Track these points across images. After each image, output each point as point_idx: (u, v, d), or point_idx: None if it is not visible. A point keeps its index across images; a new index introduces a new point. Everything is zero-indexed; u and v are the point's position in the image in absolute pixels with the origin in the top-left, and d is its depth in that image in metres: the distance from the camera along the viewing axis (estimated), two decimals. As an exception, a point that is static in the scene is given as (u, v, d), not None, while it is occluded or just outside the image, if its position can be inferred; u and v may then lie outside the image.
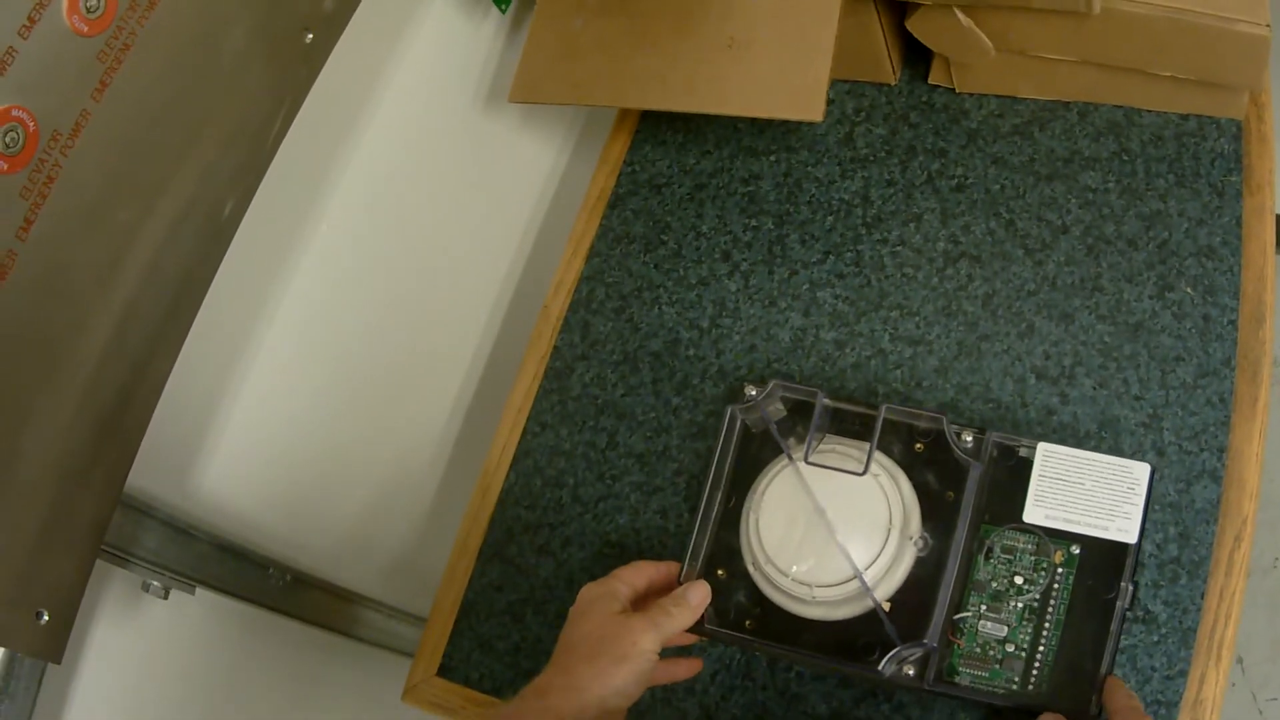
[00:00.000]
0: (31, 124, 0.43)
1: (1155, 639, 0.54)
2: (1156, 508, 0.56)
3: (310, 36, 0.54)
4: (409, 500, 0.78)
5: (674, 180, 0.73)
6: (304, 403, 0.66)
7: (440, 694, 0.63)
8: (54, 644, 0.50)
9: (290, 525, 0.67)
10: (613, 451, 0.66)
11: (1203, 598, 0.54)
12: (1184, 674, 0.53)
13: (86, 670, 0.55)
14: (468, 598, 0.65)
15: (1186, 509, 0.56)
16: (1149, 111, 0.65)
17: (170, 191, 0.50)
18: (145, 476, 0.55)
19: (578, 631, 0.49)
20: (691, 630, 0.52)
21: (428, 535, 0.78)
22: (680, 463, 0.64)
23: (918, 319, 0.64)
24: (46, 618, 0.49)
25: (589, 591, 0.51)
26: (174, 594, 0.57)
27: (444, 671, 0.64)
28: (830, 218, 0.68)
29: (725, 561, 0.55)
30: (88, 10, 0.44)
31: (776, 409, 0.57)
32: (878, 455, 0.54)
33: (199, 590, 0.59)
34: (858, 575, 0.51)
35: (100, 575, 0.54)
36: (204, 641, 0.64)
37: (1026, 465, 0.53)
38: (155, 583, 0.56)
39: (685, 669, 0.56)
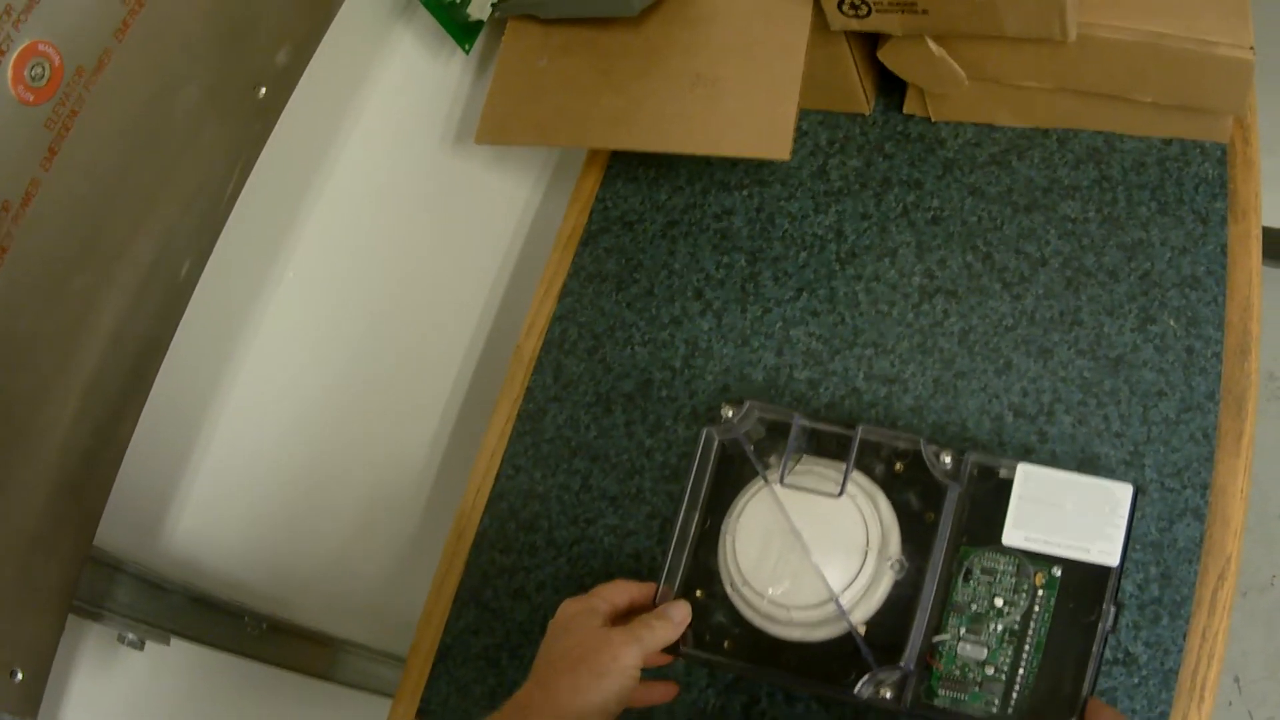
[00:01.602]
0: (-22, 199, 0.42)
1: (1135, 681, 0.53)
2: (1137, 548, 0.55)
3: (264, 91, 0.54)
4: (384, 543, 0.77)
5: (646, 217, 0.72)
6: (276, 447, 0.66)
7: (419, 738, 0.64)
8: (29, 701, 0.50)
9: (265, 572, 0.67)
10: (586, 494, 0.65)
11: (1184, 639, 0.53)
12: (1165, 716, 0.52)
13: (67, 722, 0.56)
14: (444, 642, 0.65)
15: (1169, 548, 0.55)
16: (1130, 137, 0.64)
17: (127, 254, 0.50)
18: (116, 531, 0.55)
19: (558, 645, 0.48)
20: (670, 651, 0.51)
21: (405, 577, 0.78)
22: (653, 506, 0.64)
23: (892, 357, 0.63)
24: (20, 676, 0.49)
25: (570, 606, 0.49)
26: (150, 645, 0.57)
27: (422, 715, 0.64)
28: (804, 253, 0.67)
29: (704, 583, 0.54)
30: (32, 79, 0.44)
31: (755, 430, 0.56)
32: (857, 475, 0.53)
33: (175, 640, 0.59)
34: (833, 598, 0.50)
35: (75, 629, 0.54)
36: (183, 689, 0.64)
37: (1007, 486, 0.51)
38: (130, 635, 0.56)
39: (661, 693, 0.54)
